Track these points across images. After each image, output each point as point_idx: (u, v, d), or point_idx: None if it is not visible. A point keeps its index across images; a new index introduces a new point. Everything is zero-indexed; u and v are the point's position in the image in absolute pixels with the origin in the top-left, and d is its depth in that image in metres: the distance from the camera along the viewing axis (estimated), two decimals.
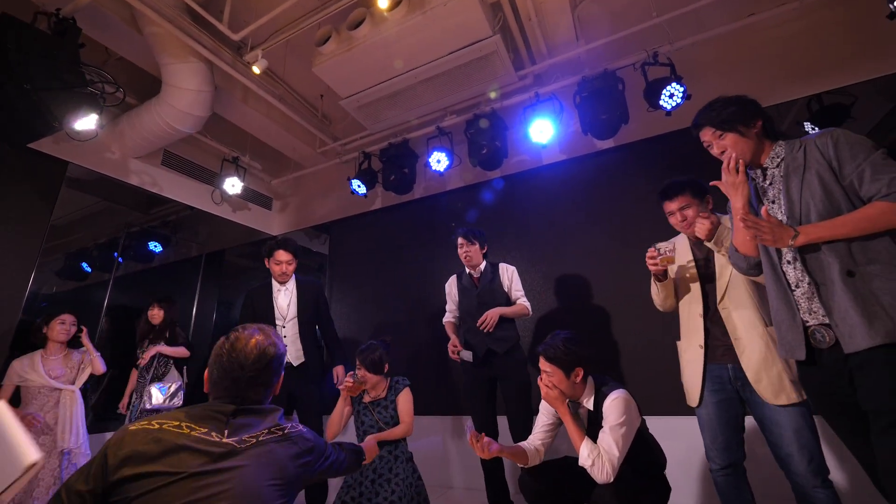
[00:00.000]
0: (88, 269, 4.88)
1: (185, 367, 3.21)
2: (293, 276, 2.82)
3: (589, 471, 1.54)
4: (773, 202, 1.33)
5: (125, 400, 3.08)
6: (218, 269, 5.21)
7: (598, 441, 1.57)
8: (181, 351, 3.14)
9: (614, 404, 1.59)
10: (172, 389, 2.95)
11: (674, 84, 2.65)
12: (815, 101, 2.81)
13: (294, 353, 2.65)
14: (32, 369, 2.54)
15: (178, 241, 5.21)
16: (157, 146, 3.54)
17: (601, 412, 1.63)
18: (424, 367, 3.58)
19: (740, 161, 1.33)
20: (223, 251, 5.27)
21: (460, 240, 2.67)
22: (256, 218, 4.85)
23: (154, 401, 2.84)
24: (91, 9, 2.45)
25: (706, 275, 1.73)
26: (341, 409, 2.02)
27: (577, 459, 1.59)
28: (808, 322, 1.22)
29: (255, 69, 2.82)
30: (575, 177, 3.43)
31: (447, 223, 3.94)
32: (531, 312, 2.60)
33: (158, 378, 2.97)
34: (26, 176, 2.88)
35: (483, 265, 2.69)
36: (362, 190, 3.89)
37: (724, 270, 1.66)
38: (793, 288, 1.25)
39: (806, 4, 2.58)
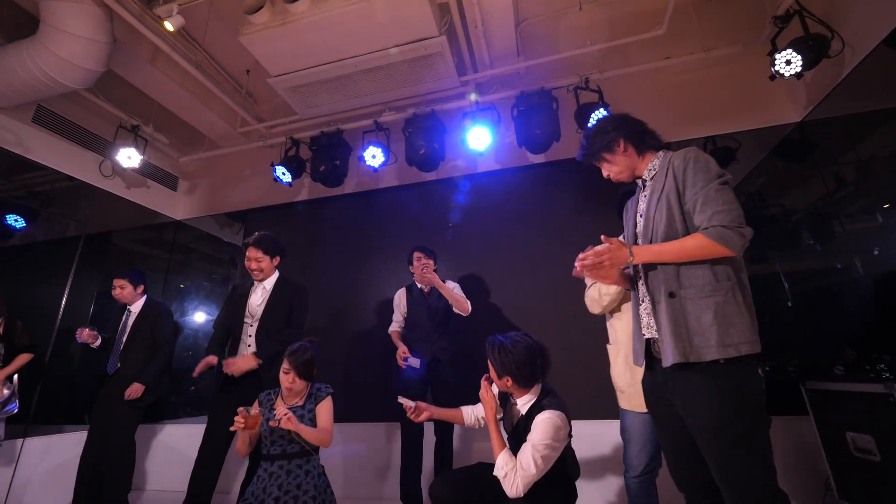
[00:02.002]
0: None
1: (17, 371, 2.64)
2: (276, 274, 2.55)
3: (501, 481, 1.53)
4: (641, 216, 1.40)
5: None
6: (102, 254, 4.45)
7: (519, 454, 1.53)
8: (22, 362, 2.63)
9: (545, 424, 1.52)
10: (3, 398, 2.42)
11: (601, 109, 2.85)
12: (710, 142, 3.21)
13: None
14: None
15: (49, 217, 4.35)
16: (28, 99, 2.91)
17: (532, 421, 1.57)
18: (347, 372, 3.39)
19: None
20: (110, 233, 4.52)
21: (417, 253, 2.80)
22: (157, 198, 4.26)
23: None
24: None
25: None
26: (244, 439, 1.76)
27: (491, 466, 1.58)
28: (646, 335, 1.34)
29: (168, 25, 2.46)
30: (508, 186, 3.53)
31: (378, 222, 3.81)
32: (469, 309, 2.72)
33: None
34: None
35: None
36: (287, 178, 3.60)
37: None
38: (640, 302, 1.36)
39: (711, 56, 2.95)
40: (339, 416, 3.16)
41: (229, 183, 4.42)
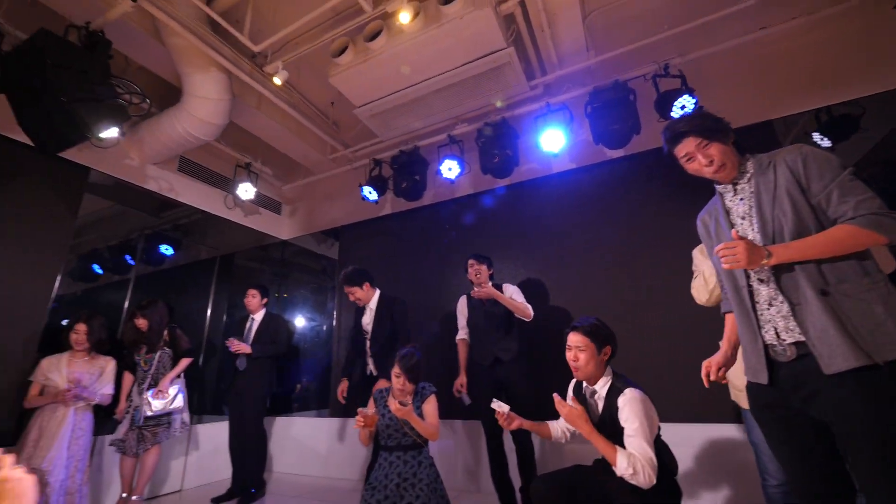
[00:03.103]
0: (100, 271, 4.96)
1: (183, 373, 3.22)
2: (377, 293, 3.08)
3: (631, 479, 1.52)
4: (744, 219, 1.32)
5: (122, 405, 2.97)
6: (229, 272, 5.28)
7: (628, 447, 1.57)
8: (184, 364, 3.16)
9: (633, 403, 1.60)
10: (172, 393, 2.98)
11: (686, 96, 2.71)
12: (824, 113, 2.86)
13: (371, 367, 2.95)
14: (57, 370, 2.56)
15: (187, 245, 5.27)
16: (175, 153, 3.61)
17: (615, 403, 1.65)
18: (434, 373, 3.63)
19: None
20: (233, 254, 5.34)
21: (470, 260, 2.91)
22: (266, 222, 4.91)
23: (155, 408, 2.86)
24: (118, 22, 2.51)
25: None
26: (365, 433, 2.03)
27: (588, 467, 1.64)
28: (777, 342, 1.21)
29: (277, 80, 2.89)
30: (585, 185, 3.49)
31: (457, 229, 4.00)
32: (531, 315, 2.77)
33: (158, 384, 2.97)
34: (51, 182, 2.95)
35: (489, 285, 2.89)
36: (373, 196, 3.95)
37: None
38: (767, 306, 1.23)
39: (816, 18, 2.64)
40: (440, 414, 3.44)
41: (323, 204, 4.94)
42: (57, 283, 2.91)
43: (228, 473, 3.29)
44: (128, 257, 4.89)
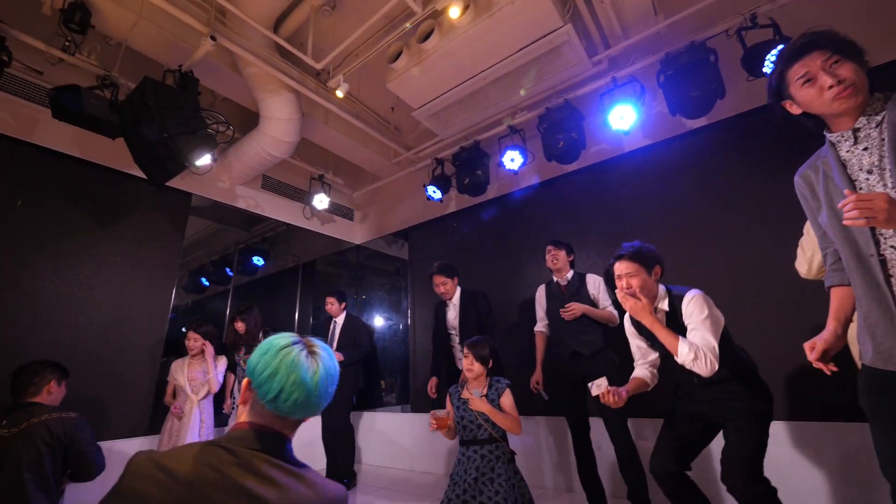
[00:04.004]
0: (206, 283, 5.65)
1: None
2: (459, 289, 3.17)
3: (692, 366, 1.56)
4: (871, 172, 1.07)
5: (227, 401, 3.34)
6: (312, 278, 5.70)
7: (691, 338, 1.60)
8: None
9: (694, 302, 1.66)
10: None
11: (780, 47, 2.35)
12: None
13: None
14: (181, 371, 2.96)
15: (276, 255, 5.80)
16: (258, 172, 3.97)
17: (679, 312, 1.68)
18: (510, 367, 3.58)
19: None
20: (314, 261, 5.75)
21: (549, 246, 2.80)
22: (341, 229, 5.21)
23: None
24: (202, 61, 2.82)
25: None
26: (444, 431, 2.05)
27: (678, 420, 1.71)
28: None
29: (339, 93, 3.04)
30: (663, 162, 3.19)
31: (522, 221, 3.90)
32: (618, 321, 2.58)
33: None
34: (161, 209, 3.43)
35: (570, 273, 2.78)
36: (437, 195, 3.99)
37: None
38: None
39: None
40: (529, 410, 3.38)
41: (392, 207, 5.12)
42: (173, 297, 3.37)
43: (324, 464, 3.56)
44: (227, 269, 5.52)
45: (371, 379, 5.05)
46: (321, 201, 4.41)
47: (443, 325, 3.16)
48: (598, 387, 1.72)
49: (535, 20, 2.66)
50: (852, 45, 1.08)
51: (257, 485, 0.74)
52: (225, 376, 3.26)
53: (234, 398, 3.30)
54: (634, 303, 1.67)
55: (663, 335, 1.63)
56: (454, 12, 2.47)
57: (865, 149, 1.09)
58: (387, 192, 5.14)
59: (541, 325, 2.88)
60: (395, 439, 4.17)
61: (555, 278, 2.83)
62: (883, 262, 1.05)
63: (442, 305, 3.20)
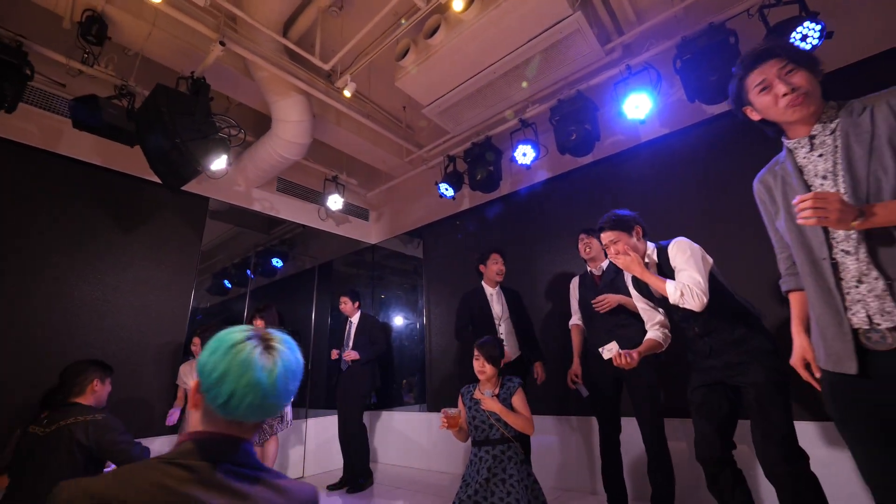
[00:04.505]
0: (229, 286, 5.78)
1: None
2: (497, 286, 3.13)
3: (681, 302, 1.64)
4: (825, 178, 1.11)
5: None
6: (329, 279, 5.76)
7: (678, 278, 1.69)
8: None
9: (676, 247, 1.77)
10: None
11: (807, 23, 2.20)
12: None
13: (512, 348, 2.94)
14: (190, 375, 3.00)
15: (294, 256, 5.88)
16: (273, 175, 4.03)
17: (667, 260, 1.79)
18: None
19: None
20: (331, 262, 5.81)
21: (581, 234, 2.72)
22: (356, 229, 5.25)
23: None
24: (214, 66, 2.87)
25: None
26: (455, 431, 2.02)
27: (707, 398, 1.72)
28: (869, 326, 1.03)
29: (347, 93, 3.05)
30: (681, 151, 3.06)
31: (537, 216, 3.82)
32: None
33: None
34: (179, 213, 3.52)
35: (605, 263, 2.66)
36: (450, 193, 3.96)
37: None
38: (856, 283, 1.04)
39: None
40: (549, 409, 3.33)
41: (406, 206, 5.12)
42: (192, 299, 3.45)
43: (342, 463, 3.59)
44: (248, 272, 5.64)
45: (388, 377, 5.07)
46: (335, 202, 4.44)
47: (486, 314, 2.98)
48: (610, 350, 1.77)
49: (542, 9, 2.59)
50: (807, 55, 1.14)
51: (224, 501, 0.67)
52: None
53: None
54: (624, 258, 1.80)
55: (652, 281, 1.75)
56: (458, 4, 2.43)
57: (820, 155, 1.13)
58: (401, 192, 5.14)
59: (575, 318, 2.79)
60: (412, 438, 4.17)
61: (588, 268, 2.72)
62: (835, 266, 1.09)
63: (475, 296, 3.06)
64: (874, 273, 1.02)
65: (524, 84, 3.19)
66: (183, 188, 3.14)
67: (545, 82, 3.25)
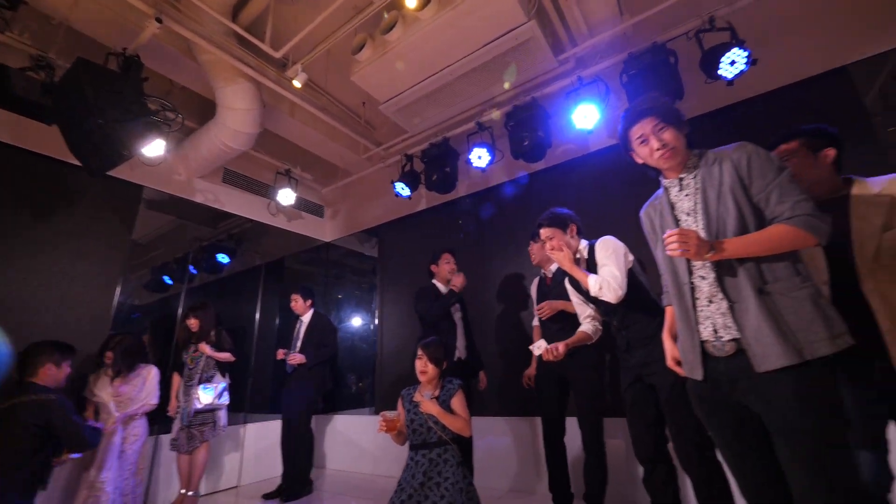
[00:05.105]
0: (169, 282, 5.40)
1: (228, 371, 3.36)
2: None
3: (600, 295, 1.81)
4: (689, 215, 1.32)
5: (173, 403, 3.14)
6: (279, 277, 5.53)
7: (599, 273, 1.85)
8: (227, 356, 3.30)
9: (601, 244, 1.93)
10: (219, 389, 3.13)
11: (735, 50, 2.37)
12: None
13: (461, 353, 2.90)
14: (104, 386, 2.68)
15: (242, 253, 5.60)
16: (218, 165, 3.81)
17: (594, 257, 1.93)
18: (488, 368, 3.54)
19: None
20: (282, 259, 5.58)
21: (530, 241, 2.77)
22: (310, 226, 5.08)
23: (203, 401, 3.02)
24: (152, 45, 2.68)
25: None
26: (394, 434, 1.98)
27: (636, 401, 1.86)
28: (714, 338, 1.23)
29: (296, 83, 2.94)
30: (625, 161, 3.19)
31: (492, 219, 3.87)
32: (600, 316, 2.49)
33: (207, 381, 3.14)
34: (107, 201, 3.23)
35: (555, 266, 2.67)
36: (406, 192, 3.92)
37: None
38: (707, 303, 1.25)
39: None
40: (494, 410, 3.35)
41: (362, 204, 5.02)
42: (116, 296, 3.17)
43: (282, 470, 3.42)
44: (191, 267, 5.29)
45: (338, 380, 4.94)
46: (287, 197, 4.27)
47: (448, 315, 2.93)
48: (539, 348, 1.88)
49: (498, 15, 2.62)
50: (674, 114, 1.34)
51: None
52: (170, 380, 3.12)
53: (180, 400, 3.13)
54: (557, 253, 1.93)
55: (578, 275, 1.90)
56: (411, 2, 2.40)
57: (687, 195, 1.34)
58: (358, 189, 5.03)
59: (536, 320, 2.80)
60: (360, 443, 4.08)
61: (542, 271, 2.77)
62: (693, 289, 1.28)
63: (433, 287, 3.02)
64: (720, 295, 1.22)
65: (505, 85, 3.22)
66: (112, 174, 2.91)
67: (500, 88, 3.30)
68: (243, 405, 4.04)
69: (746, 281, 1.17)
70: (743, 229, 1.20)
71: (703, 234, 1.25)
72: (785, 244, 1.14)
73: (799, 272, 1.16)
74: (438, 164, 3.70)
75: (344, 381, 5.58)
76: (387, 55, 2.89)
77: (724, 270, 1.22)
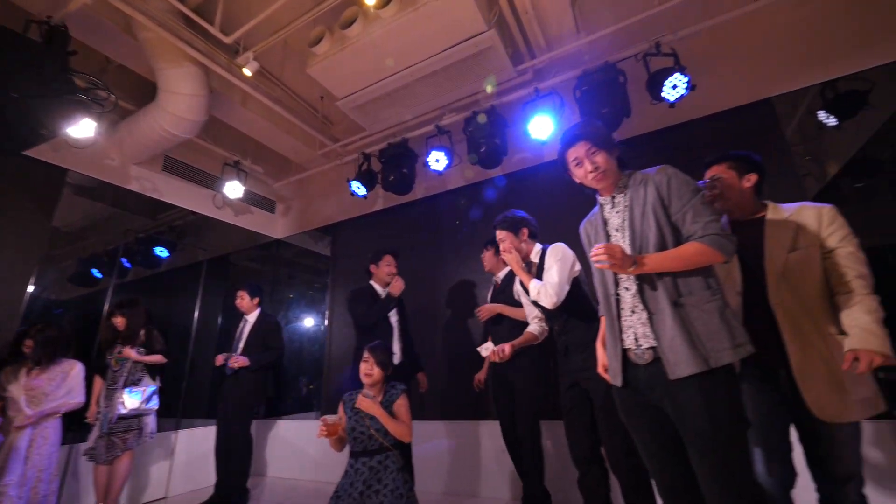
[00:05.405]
0: (99, 275, 4.95)
1: (158, 374, 3.12)
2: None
3: (538, 299, 1.88)
4: (618, 231, 1.42)
5: (93, 408, 2.87)
6: (224, 274, 5.23)
7: (543, 278, 1.93)
8: (157, 358, 3.05)
9: (551, 251, 2.01)
10: (147, 393, 2.90)
11: (677, 74, 2.54)
12: (829, 89, 2.66)
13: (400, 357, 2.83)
14: (15, 381, 2.43)
15: (184, 247, 5.24)
16: (157, 151, 3.55)
17: (545, 262, 2.00)
18: (433, 372, 3.53)
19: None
20: (228, 255, 5.29)
21: (483, 249, 2.82)
22: (259, 221, 4.85)
23: (129, 406, 2.78)
24: (83, 15, 2.45)
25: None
26: (334, 440, 1.92)
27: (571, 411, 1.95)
28: (636, 346, 1.32)
29: (246, 71, 2.81)
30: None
31: (449, 223, 3.88)
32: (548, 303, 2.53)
33: (133, 384, 2.89)
34: (25, 184, 2.91)
35: (503, 272, 2.75)
36: (362, 191, 3.85)
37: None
38: (630, 313, 1.34)
39: None
40: (437, 414, 3.33)
41: (317, 201, 4.87)
42: (29, 288, 2.86)
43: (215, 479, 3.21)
44: (124, 260, 4.88)
45: (284, 384, 4.74)
46: (235, 189, 4.05)
47: (385, 319, 2.89)
48: (486, 349, 1.93)
49: (459, 21, 2.65)
50: (607, 138, 1.44)
51: None
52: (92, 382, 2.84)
53: (101, 405, 2.85)
54: (507, 255, 2.02)
55: (524, 277, 1.98)
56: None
57: (617, 212, 1.44)
58: (313, 185, 4.88)
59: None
60: (303, 448, 3.93)
61: (493, 277, 2.83)
62: (618, 300, 1.37)
63: (369, 289, 2.97)
64: (641, 306, 1.31)
65: (488, 88, 3.25)
66: (31, 154, 2.63)
67: (462, 93, 3.33)
68: (176, 410, 3.77)
69: (664, 293, 1.26)
70: (662, 245, 1.29)
71: (628, 249, 1.34)
72: (697, 260, 1.24)
73: (710, 286, 1.26)
74: (396, 164, 3.67)
75: (295, 384, 5.36)
76: (345, 51, 2.83)
77: (645, 283, 1.31)
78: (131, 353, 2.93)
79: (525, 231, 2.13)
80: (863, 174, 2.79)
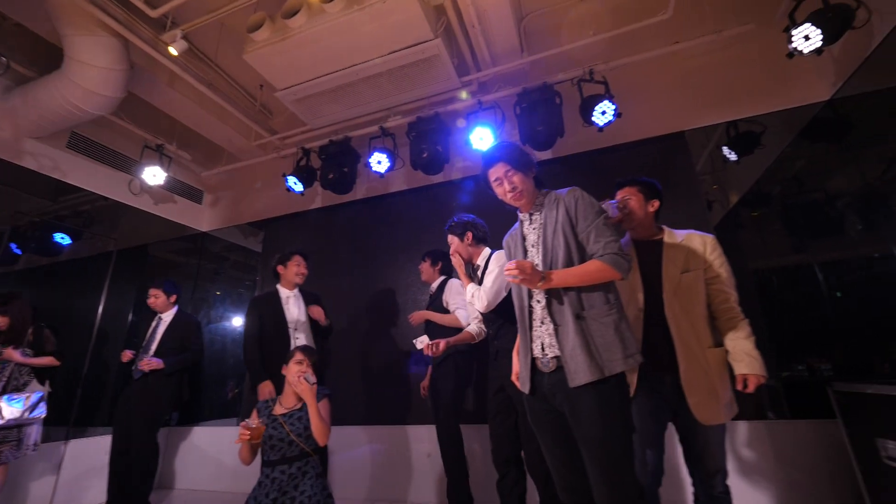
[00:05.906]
0: None
1: (49, 378, 2.79)
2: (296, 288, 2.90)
3: (472, 303, 2.00)
4: (534, 246, 1.51)
5: None
6: (139, 267, 4.75)
7: (483, 284, 2.02)
8: (48, 360, 2.73)
9: (494, 257, 2.08)
10: (32, 400, 2.57)
11: (606, 101, 2.75)
12: (731, 128, 3.03)
13: None
14: None
15: (91, 235, 4.69)
16: (61, 127, 3.15)
17: (488, 267, 2.08)
18: (364, 374, 3.46)
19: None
20: (145, 246, 4.81)
21: (421, 261, 2.87)
22: (184, 211, 4.49)
23: (7, 415, 2.44)
24: None
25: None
26: (247, 448, 1.81)
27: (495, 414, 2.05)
28: (542, 355, 1.40)
29: (173, 50, 2.60)
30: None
31: (388, 226, 3.85)
32: (464, 323, 2.53)
33: (16, 389, 2.57)
34: None
35: (437, 282, 2.80)
36: (298, 188, 3.70)
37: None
38: (539, 324, 1.43)
39: (723, 37, 2.77)
40: (361, 419, 3.26)
41: (249, 194, 4.60)
42: None
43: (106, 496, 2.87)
44: (13, 245, 4.26)
45: (200, 388, 4.39)
46: (155, 175, 3.72)
47: (282, 321, 2.71)
48: (421, 342, 1.97)
49: (406, 26, 2.65)
50: (524, 160, 1.53)
51: None
52: None
53: None
54: (453, 258, 2.14)
55: (463, 280, 2.11)
56: None
57: (534, 229, 1.53)
58: (246, 177, 4.61)
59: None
60: (218, 457, 3.66)
61: (430, 286, 2.87)
62: (530, 312, 1.46)
63: (272, 297, 2.79)
64: (549, 318, 1.39)
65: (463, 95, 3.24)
66: None
67: (407, 97, 3.33)
68: (68, 418, 3.34)
69: (568, 307, 1.36)
70: (569, 262, 1.39)
71: (540, 264, 1.44)
72: (597, 277, 1.34)
73: (609, 301, 1.37)
74: (337, 162, 3.58)
75: (217, 388, 4.98)
76: (286, 41, 2.72)
77: (553, 297, 1.40)
78: (14, 354, 2.56)
79: (469, 235, 2.19)
80: (757, 205, 3.20)
